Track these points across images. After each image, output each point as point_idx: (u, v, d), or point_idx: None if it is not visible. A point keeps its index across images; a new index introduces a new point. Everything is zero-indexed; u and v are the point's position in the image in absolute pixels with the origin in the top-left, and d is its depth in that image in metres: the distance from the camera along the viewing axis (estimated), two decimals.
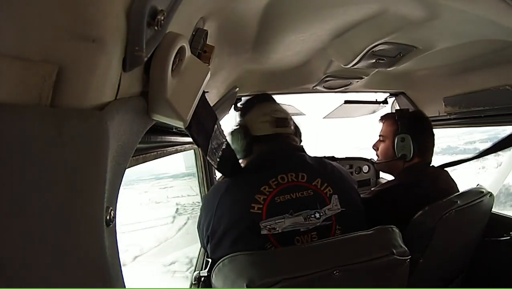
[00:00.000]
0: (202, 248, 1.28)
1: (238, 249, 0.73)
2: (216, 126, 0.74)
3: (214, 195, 0.88)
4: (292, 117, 1.07)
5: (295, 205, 0.81)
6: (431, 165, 1.22)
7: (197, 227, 0.94)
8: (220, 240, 0.81)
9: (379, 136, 1.30)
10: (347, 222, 0.84)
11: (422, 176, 1.15)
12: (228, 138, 1.02)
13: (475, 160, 1.31)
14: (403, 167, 1.21)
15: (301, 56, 1.16)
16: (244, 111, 1.06)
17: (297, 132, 1.07)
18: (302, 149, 1.00)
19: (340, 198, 0.85)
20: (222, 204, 0.83)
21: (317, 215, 0.81)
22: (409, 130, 1.18)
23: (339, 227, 0.83)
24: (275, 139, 0.98)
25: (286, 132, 1.00)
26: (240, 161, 1.01)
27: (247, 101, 1.10)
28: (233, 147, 1.00)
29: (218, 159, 0.79)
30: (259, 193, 0.81)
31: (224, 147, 0.80)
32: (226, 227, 0.80)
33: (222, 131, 0.79)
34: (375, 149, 1.32)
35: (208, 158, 0.76)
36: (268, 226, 0.78)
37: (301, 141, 1.09)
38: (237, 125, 1.04)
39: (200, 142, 0.71)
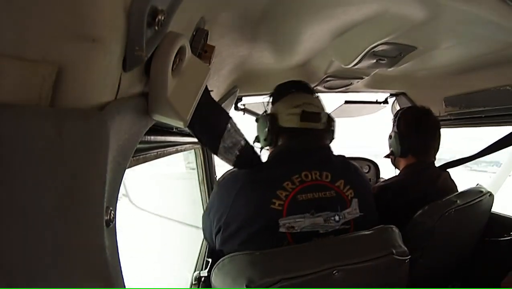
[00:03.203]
0: (202, 248, 1.27)
1: (253, 244, 0.72)
2: (229, 125, 0.73)
3: (232, 185, 0.84)
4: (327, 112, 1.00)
5: (316, 205, 0.78)
6: (434, 165, 1.22)
7: (205, 214, 0.91)
8: (235, 232, 0.78)
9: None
10: (364, 227, 0.81)
11: (420, 176, 1.15)
12: (255, 125, 1.00)
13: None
14: (397, 164, 1.24)
15: (302, 56, 1.16)
16: (275, 98, 0.99)
17: (329, 128, 1.00)
18: (328, 147, 0.96)
19: (359, 203, 0.84)
20: (241, 196, 0.80)
21: (337, 218, 0.79)
22: (397, 127, 1.20)
23: (356, 232, 0.81)
24: (302, 134, 0.91)
25: (315, 128, 0.93)
26: (267, 148, 0.98)
27: (281, 87, 1.01)
28: (257, 133, 0.98)
29: (235, 158, 0.78)
30: (281, 189, 0.79)
31: (242, 144, 0.78)
32: (243, 220, 0.77)
33: (238, 129, 0.77)
34: None
35: (220, 157, 0.75)
36: (287, 224, 0.76)
37: (333, 138, 1.03)
38: (265, 112, 1.00)
39: (206, 141, 0.70)
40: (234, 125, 0.75)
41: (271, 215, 0.76)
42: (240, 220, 0.78)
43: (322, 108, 0.96)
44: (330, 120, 1.00)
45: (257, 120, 1.01)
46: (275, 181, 0.80)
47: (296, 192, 0.79)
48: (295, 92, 0.96)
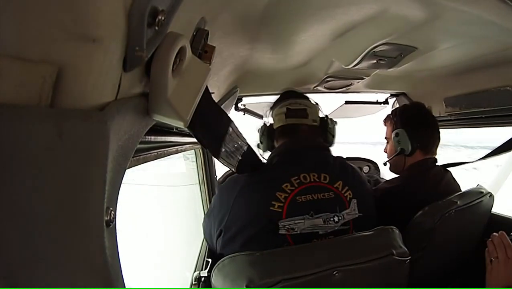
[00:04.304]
0: (202, 249, 1.27)
1: (253, 246, 0.72)
2: (231, 128, 0.73)
3: (232, 188, 0.85)
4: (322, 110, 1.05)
5: (316, 206, 0.79)
6: (436, 164, 1.21)
7: (206, 217, 0.92)
8: (235, 235, 0.79)
9: (385, 138, 1.32)
10: (363, 227, 0.82)
11: (425, 177, 1.14)
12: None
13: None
14: (405, 164, 1.21)
15: (302, 57, 1.16)
16: (272, 109, 1.07)
17: (325, 127, 1.03)
18: (326, 148, 0.98)
19: (358, 203, 0.84)
20: (241, 198, 0.81)
21: (336, 218, 0.80)
22: (402, 124, 1.19)
23: (356, 232, 0.82)
24: (290, 131, 0.96)
25: (302, 123, 0.97)
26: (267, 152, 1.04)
27: (277, 100, 1.09)
28: (259, 141, 1.06)
29: (237, 163, 0.78)
30: (281, 190, 0.79)
31: (245, 150, 0.79)
32: (243, 222, 0.78)
33: (240, 134, 0.77)
34: (385, 152, 1.33)
35: (221, 161, 0.75)
36: (287, 226, 0.76)
37: (332, 138, 1.06)
38: (264, 122, 1.07)
39: (207, 143, 0.70)
40: (235, 129, 0.75)
41: (271, 217, 0.76)
42: (240, 222, 0.78)
43: (310, 106, 1.00)
44: (324, 120, 1.03)
45: (258, 130, 1.09)
46: (274, 183, 0.81)
47: (295, 194, 0.79)
48: (284, 98, 1.03)
